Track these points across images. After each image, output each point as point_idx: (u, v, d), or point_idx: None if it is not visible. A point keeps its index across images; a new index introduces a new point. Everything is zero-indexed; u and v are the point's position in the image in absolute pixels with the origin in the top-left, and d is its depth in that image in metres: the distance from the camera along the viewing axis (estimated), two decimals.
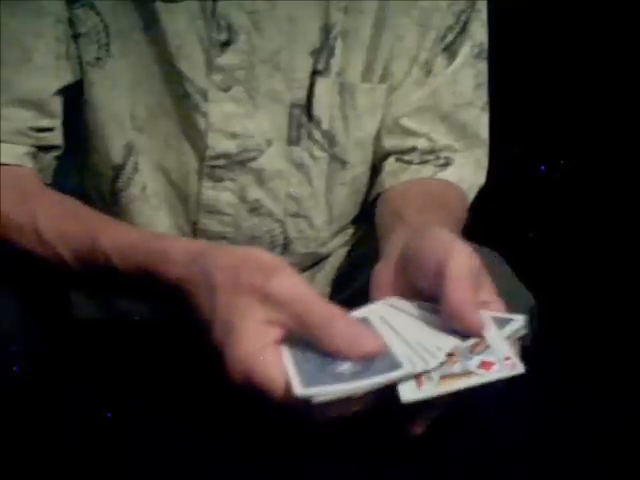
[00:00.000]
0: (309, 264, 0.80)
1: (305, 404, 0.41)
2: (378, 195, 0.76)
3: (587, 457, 0.48)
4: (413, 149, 0.75)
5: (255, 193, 0.72)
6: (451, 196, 0.75)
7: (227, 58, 0.67)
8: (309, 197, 0.75)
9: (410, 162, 0.75)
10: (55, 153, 0.67)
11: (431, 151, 0.75)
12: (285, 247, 0.76)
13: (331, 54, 0.69)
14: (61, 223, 0.58)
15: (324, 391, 0.41)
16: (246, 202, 0.73)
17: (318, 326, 0.44)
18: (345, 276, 0.82)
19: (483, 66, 0.76)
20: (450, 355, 0.44)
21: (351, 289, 0.80)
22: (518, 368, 0.42)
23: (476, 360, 0.44)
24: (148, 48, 0.67)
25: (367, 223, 0.79)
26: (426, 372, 0.43)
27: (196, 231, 0.74)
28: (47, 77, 0.64)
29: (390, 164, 0.75)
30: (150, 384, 0.52)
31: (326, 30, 0.68)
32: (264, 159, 0.71)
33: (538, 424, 0.50)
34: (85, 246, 0.55)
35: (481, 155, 0.78)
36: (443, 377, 0.42)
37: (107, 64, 0.66)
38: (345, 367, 0.43)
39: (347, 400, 0.42)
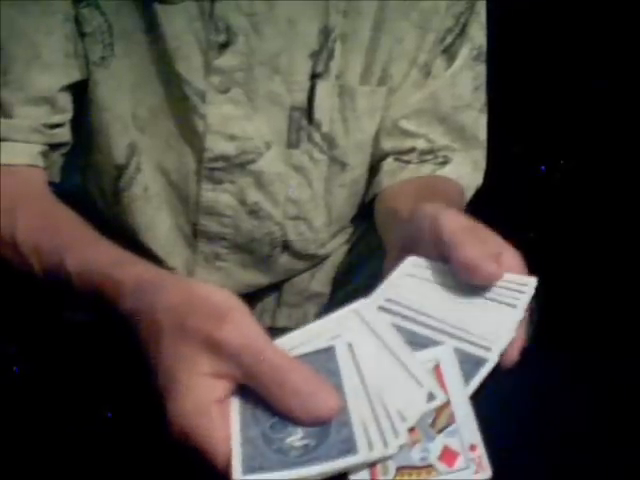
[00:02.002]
0: (309, 264, 0.80)
1: None
2: (376, 195, 0.76)
3: (587, 457, 0.48)
4: (412, 150, 0.75)
5: (254, 196, 0.72)
6: (446, 186, 0.75)
7: (225, 60, 0.67)
8: (309, 200, 0.75)
9: (408, 162, 0.75)
10: (63, 150, 0.68)
11: (430, 151, 0.75)
12: (285, 248, 0.76)
13: (330, 57, 0.69)
14: (36, 237, 0.57)
15: (265, 478, 0.36)
16: (245, 205, 0.73)
17: (269, 379, 0.39)
18: (344, 274, 0.82)
19: (482, 68, 0.76)
20: (411, 430, 0.38)
21: (350, 287, 0.80)
22: (485, 471, 0.37)
23: (438, 444, 0.38)
24: (149, 49, 0.67)
25: (365, 222, 0.79)
26: (383, 459, 0.37)
27: (196, 232, 0.74)
28: (56, 74, 0.64)
29: (388, 164, 0.75)
30: (150, 384, 0.52)
31: (325, 33, 0.68)
32: (263, 162, 0.71)
33: (538, 424, 0.50)
34: (53, 262, 0.55)
35: (479, 156, 0.78)
36: (400, 469, 0.37)
37: (111, 64, 0.66)
38: (295, 438, 0.38)
39: None
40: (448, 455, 0.38)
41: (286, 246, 0.76)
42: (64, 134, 0.67)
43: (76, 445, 0.47)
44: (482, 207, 0.80)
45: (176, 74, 0.67)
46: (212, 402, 0.39)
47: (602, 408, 0.53)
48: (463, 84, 0.75)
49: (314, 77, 0.69)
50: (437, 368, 0.42)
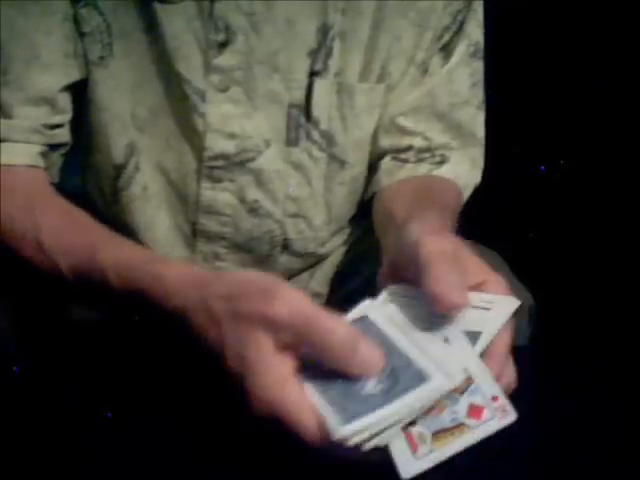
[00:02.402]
0: (308, 264, 0.80)
1: (342, 443, 0.40)
2: (374, 194, 0.76)
3: (586, 457, 0.48)
4: (409, 148, 0.75)
5: (254, 194, 0.72)
6: (442, 187, 0.75)
7: (225, 59, 0.67)
8: (308, 197, 0.75)
9: (406, 160, 0.75)
10: (63, 151, 0.68)
11: (427, 149, 0.75)
12: (284, 247, 0.76)
13: (329, 55, 0.69)
14: (63, 235, 0.58)
15: (364, 423, 0.39)
16: (245, 203, 0.73)
17: (321, 342, 0.42)
18: (343, 275, 0.82)
19: (479, 65, 0.76)
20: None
21: (349, 288, 0.80)
22: (510, 416, 0.41)
23: (463, 404, 0.42)
24: (148, 49, 0.67)
25: (365, 222, 0.79)
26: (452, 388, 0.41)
27: (195, 231, 0.74)
28: (56, 74, 0.64)
29: (386, 163, 0.75)
30: (150, 384, 0.52)
31: (324, 31, 0.68)
32: (263, 160, 0.71)
33: (537, 424, 0.50)
34: (83, 260, 0.55)
35: (477, 154, 0.78)
36: (435, 434, 0.41)
37: (110, 64, 0.67)
38: (370, 387, 0.42)
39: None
40: (474, 411, 0.42)
41: (286, 245, 0.76)
42: (64, 134, 0.67)
43: (76, 445, 0.47)
44: (482, 207, 0.80)
45: (176, 73, 0.67)
46: (288, 375, 0.43)
47: (602, 408, 0.53)
48: (460, 80, 0.75)
49: (312, 75, 0.69)
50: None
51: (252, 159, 0.71)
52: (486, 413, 0.41)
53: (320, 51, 0.69)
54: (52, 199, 0.62)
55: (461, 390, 0.42)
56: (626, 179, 1.36)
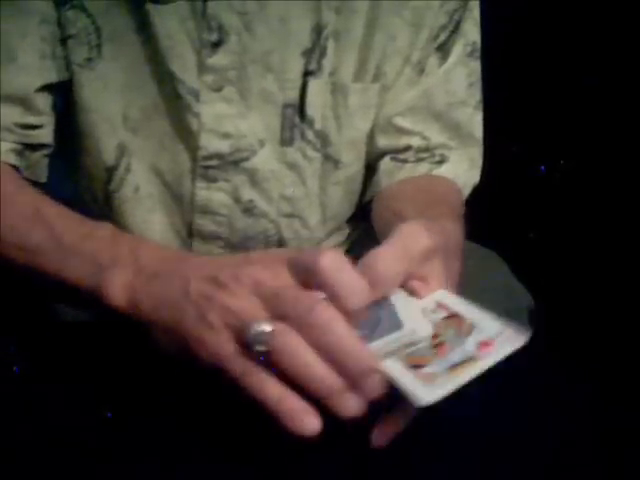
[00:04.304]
0: None
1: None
2: (374, 195, 0.76)
3: (586, 457, 0.48)
4: (408, 148, 0.75)
5: (249, 194, 0.72)
6: (448, 191, 0.75)
7: (218, 58, 0.67)
8: (303, 197, 0.75)
9: (405, 161, 0.75)
10: (44, 152, 0.67)
11: (426, 149, 0.75)
12: (280, 247, 0.76)
13: (323, 54, 0.69)
14: (20, 229, 0.55)
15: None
16: (240, 202, 0.73)
17: (305, 264, 0.43)
18: None
19: (476, 65, 0.76)
20: (440, 344, 0.42)
21: None
22: (520, 338, 0.40)
23: (472, 342, 0.41)
24: (140, 49, 0.67)
25: (363, 223, 0.79)
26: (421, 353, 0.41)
27: (191, 231, 0.74)
28: (31, 75, 0.64)
29: (385, 163, 0.75)
30: (150, 384, 0.52)
31: (318, 30, 0.68)
32: (257, 159, 0.71)
33: (537, 424, 0.50)
34: (27, 217, 0.54)
35: (475, 154, 0.78)
36: (450, 369, 0.40)
37: (98, 65, 0.66)
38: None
39: None
40: (484, 346, 0.40)
41: (281, 245, 0.76)
42: (42, 135, 0.66)
43: (76, 445, 0.47)
44: (482, 207, 0.80)
45: (169, 73, 0.67)
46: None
47: (602, 408, 0.53)
48: (457, 80, 0.75)
49: (306, 74, 0.69)
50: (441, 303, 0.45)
51: (246, 159, 0.71)
52: (496, 344, 0.40)
53: (314, 51, 0.69)
54: (15, 194, 0.59)
55: (466, 333, 0.42)
56: (626, 179, 1.36)
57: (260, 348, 0.41)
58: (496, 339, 0.41)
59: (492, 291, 0.62)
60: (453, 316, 0.44)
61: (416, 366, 0.41)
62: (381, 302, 0.45)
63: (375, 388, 0.41)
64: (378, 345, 0.42)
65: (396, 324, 0.43)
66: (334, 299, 0.42)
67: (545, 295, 0.81)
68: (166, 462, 0.47)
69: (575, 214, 1.38)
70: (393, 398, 0.41)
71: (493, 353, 0.40)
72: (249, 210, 0.73)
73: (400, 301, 0.45)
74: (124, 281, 0.48)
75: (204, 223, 0.73)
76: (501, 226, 1.27)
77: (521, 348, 0.40)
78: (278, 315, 0.42)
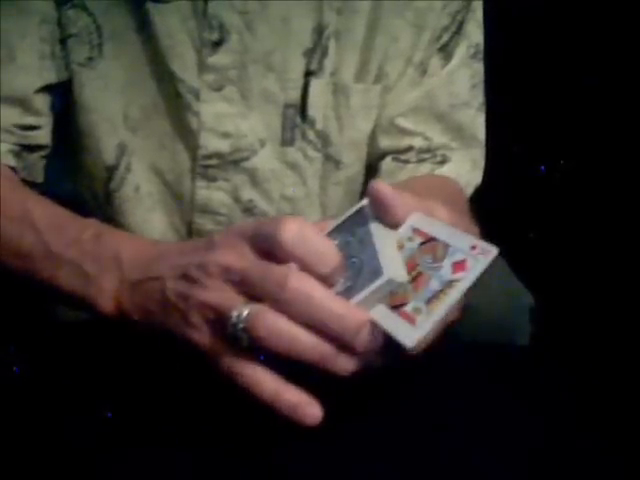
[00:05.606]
0: None
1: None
2: None
3: (586, 457, 0.48)
4: (410, 148, 0.75)
5: (249, 193, 0.72)
6: (447, 187, 0.75)
7: (219, 58, 0.67)
8: (303, 197, 0.75)
9: (407, 161, 0.75)
10: (42, 153, 0.67)
11: (428, 150, 0.75)
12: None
13: (324, 54, 0.69)
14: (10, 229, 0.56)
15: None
16: (240, 202, 0.73)
17: (270, 235, 0.42)
18: None
19: (479, 66, 0.76)
20: (418, 275, 0.42)
21: None
22: (491, 252, 0.41)
23: (447, 266, 0.41)
24: (141, 49, 0.67)
25: None
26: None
27: (191, 231, 0.74)
28: (30, 76, 0.64)
29: (387, 164, 0.75)
30: (150, 383, 0.52)
31: (319, 30, 0.68)
32: (257, 159, 0.71)
33: (536, 424, 0.50)
34: (17, 220, 0.54)
35: (477, 155, 0.78)
36: (429, 302, 0.41)
37: (99, 65, 0.67)
38: (340, 285, 0.42)
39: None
40: (458, 266, 0.41)
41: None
42: (40, 137, 0.66)
43: (76, 445, 0.47)
44: (482, 207, 0.80)
45: (169, 72, 0.67)
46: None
47: (602, 408, 0.53)
48: (460, 82, 0.75)
49: (308, 75, 0.69)
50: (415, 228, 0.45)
51: (247, 158, 0.71)
52: (469, 262, 0.41)
53: (315, 51, 0.69)
54: (7, 197, 0.59)
55: (441, 257, 0.42)
56: (626, 179, 1.36)
57: (243, 335, 0.41)
58: (468, 258, 0.41)
59: (492, 291, 0.62)
60: (428, 241, 0.44)
61: (398, 306, 0.41)
62: (362, 241, 0.45)
63: (367, 341, 0.41)
64: (360, 298, 0.42)
65: (375, 271, 0.42)
66: (305, 269, 0.41)
67: (545, 294, 0.81)
68: (166, 462, 0.47)
69: (575, 214, 1.38)
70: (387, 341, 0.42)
71: (467, 273, 0.41)
72: (249, 210, 0.73)
73: (380, 238, 0.45)
74: (111, 289, 0.49)
75: (204, 222, 0.73)
76: (501, 226, 1.27)
77: (491, 264, 0.41)
78: (253, 297, 0.42)
